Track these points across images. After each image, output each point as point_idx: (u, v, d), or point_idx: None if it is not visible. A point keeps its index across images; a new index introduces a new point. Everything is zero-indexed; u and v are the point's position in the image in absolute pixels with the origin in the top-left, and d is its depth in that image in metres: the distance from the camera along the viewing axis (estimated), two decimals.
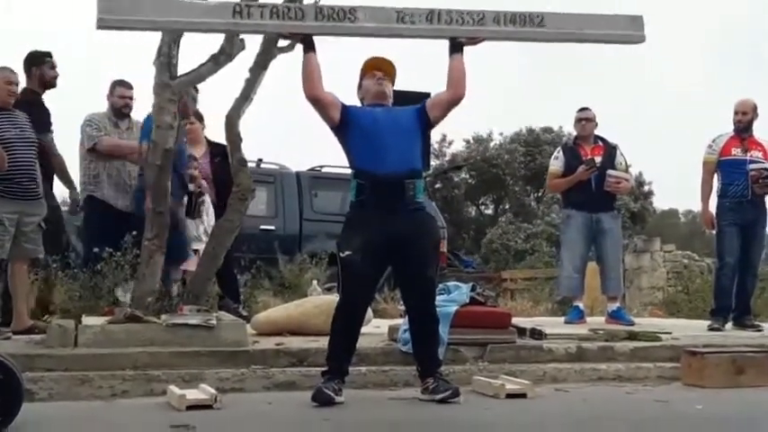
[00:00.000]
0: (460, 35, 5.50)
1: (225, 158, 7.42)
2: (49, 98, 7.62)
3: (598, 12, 5.86)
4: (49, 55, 7.56)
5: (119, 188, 7.65)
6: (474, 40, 5.54)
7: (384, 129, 5.26)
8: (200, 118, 8.19)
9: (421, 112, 5.44)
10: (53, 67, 7.55)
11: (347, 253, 5.18)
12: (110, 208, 7.59)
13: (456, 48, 5.45)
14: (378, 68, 5.50)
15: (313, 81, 5.29)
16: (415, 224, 5.25)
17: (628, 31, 5.89)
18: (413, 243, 5.20)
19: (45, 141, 7.22)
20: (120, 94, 7.80)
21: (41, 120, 7.26)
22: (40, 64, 7.48)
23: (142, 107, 7.74)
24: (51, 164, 7.41)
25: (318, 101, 5.30)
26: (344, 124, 5.33)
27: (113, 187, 7.65)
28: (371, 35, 5.53)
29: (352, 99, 5.56)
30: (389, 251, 5.21)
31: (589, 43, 6.04)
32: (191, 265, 7.57)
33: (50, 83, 7.54)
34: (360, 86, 5.56)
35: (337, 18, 5.41)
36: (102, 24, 5.47)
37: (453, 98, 5.45)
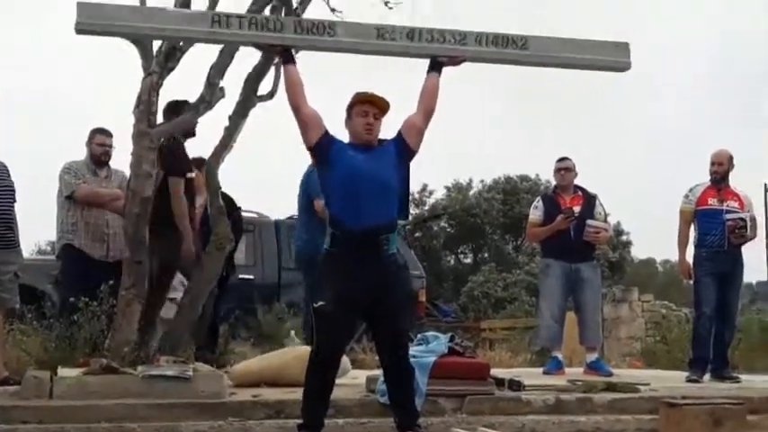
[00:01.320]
0: (441, 54, 5.49)
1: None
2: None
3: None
4: (186, 103, 7.45)
5: (96, 237, 7.60)
6: (454, 60, 5.54)
7: (362, 178, 5.18)
8: (200, 165, 8.15)
9: (399, 144, 5.38)
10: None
11: (320, 303, 5.16)
12: (86, 257, 7.53)
13: (435, 66, 5.45)
14: (370, 103, 5.32)
15: (296, 93, 5.30)
16: (388, 276, 5.23)
17: (612, 57, 5.88)
18: (386, 296, 5.19)
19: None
20: (100, 142, 7.78)
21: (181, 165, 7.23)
22: (179, 112, 7.38)
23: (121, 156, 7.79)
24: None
25: (299, 111, 5.27)
26: (323, 154, 5.28)
27: (90, 236, 7.59)
28: (350, 50, 5.53)
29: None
30: (363, 302, 5.19)
31: (573, 68, 6.03)
32: (167, 314, 7.52)
33: (191, 132, 7.43)
34: (348, 119, 5.38)
35: (316, 32, 5.42)
36: (81, 28, 5.48)
37: (426, 120, 5.42)
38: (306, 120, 5.28)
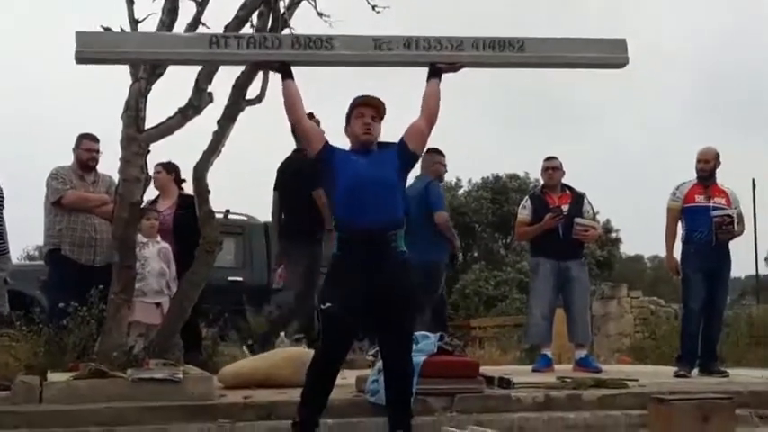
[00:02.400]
0: (438, 60, 5.50)
1: (191, 210, 7.41)
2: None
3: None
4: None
5: (83, 242, 7.61)
6: (453, 66, 5.56)
7: (366, 182, 5.21)
8: (170, 169, 8.19)
9: (401, 149, 5.41)
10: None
11: (328, 305, 5.17)
12: (73, 262, 7.54)
13: (434, 73, 5.48)
14: (366, 105, 5.38)
15: (295, 108, 5.35)
16: (397, 277, 5.24)
17: (610, 53, 5.88)
18: (395, 297, 5.21)
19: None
20: (87, 148, 7.79)
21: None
22: None
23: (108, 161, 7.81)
24: None
25: (300, 130, 5.37)
26: (327, 164, 5.33)
27: (77, 241, 7.60)
28: (349, 63, 5.55)
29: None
30: (372, 304, 5.18)
31: (571, 68, 6.03)
32: (153, 318, 7.54)
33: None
34: (347, 125, 5.43)
35: (314, 46, 5.44)
36: (81, 57, 5.51)
37: (430, 126, 5.47)
38: (307, 133, 5.38)
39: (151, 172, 7.38)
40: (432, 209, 8.50)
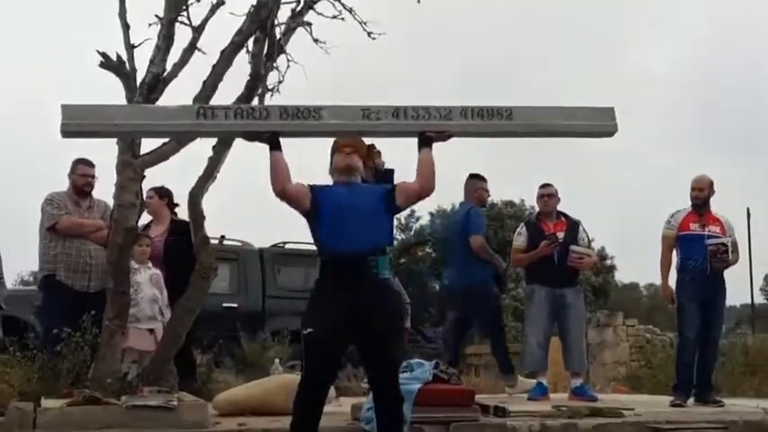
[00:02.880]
0: (427, 129, 5.44)
1: (182, 236, 7.41)
2: None
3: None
4: None
5: (77, 268, 7.59)
6: (442, 135, 5.49)
7: (347, 209, 5.23)
8: (163, 194, 8.20)
9: (388, 194, 5.41)
10: None
11: (309, 330, 5.13)
12: (68, 288, 7.51)
13: (425, 142, 5.43)
14: (347, 145, 5.45)
15: (281, 179, 5.27)
16: (377, 301, 5.21)
17: (599, 122, 5.82)
18: (376, 320, 5.16)
19: None
20: (82, 173, 7.79)
21: None
22: None
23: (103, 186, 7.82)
24: None
25: (287, 196, 5.28)
26: (315, 206, 5.31)
27: (72, 267, 7.58)
28: (337, 132, 5.42)
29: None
30: (352, 328, 5.16)
31: (560, 137, 6.00)
32: (146, 344, 7.51)
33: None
34: (330, 164, 5.48)
35: (302, 116, 5.35)
36: (66, 130, 5.46)
37: (422, 192, 5.43)
38: (293, 196, 5.32)
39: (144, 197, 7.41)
40: (468, 233, 8.69)
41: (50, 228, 7.55)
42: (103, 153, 7.33)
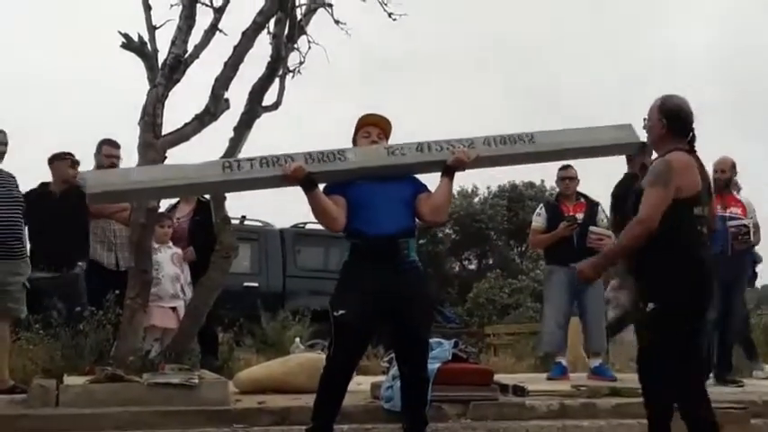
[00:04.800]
0: (452, 160, 5.32)
1: (208, 217, 7.46)
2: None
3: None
4: None
5: (104, 246, 7.68)
6: (464, 164, 5.36)
7: (376, 194, 5.24)
8: None
9: (417, 189, 5.38)
10: None
11: (341, 312, 5.12)
12: (96, 265, 7.60)
13: (447, 171, 5.36)
14: (373, 125, 5.44)
15: (332, 218, 5.21)
16: (408, 284, 5.22)
17: (620, 139, 5.78)
18: (407, 304, 5.18)
19: None
20: (107, 153, 7.84)
21: None
22: None
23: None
24: None
25: (339, 227, 5.26)
26: (347, 201, 5.30)
27: (99, 245, 7.67)
28: (363, 170, 5.33)
29: None
30: (383, 310, 5.17)
31: (584, 157, 5.98)
32: (168, 322, 7.58)
33: None
34: (354, 144, 5.49)
35: (327, 160, 5.27)
36: (93, 200, 5.51)
37: (428, 219, 5.43)
38: (345, 218, 5.28)
39: None
40: None
41: None
42: (126, 134, 7.39)
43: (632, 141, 5.80)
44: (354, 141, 5.51)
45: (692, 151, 4.69)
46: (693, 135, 4.72)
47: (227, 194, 6.89)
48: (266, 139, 7.19)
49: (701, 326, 4.55)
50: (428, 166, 5.44)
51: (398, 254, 5.22)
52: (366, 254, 5.22)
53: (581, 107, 49.77)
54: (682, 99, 4.79)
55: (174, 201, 8.32)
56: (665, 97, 4.80)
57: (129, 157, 7.45)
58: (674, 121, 4.68)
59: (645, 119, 4.90)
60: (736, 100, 60.68)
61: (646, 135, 5.00)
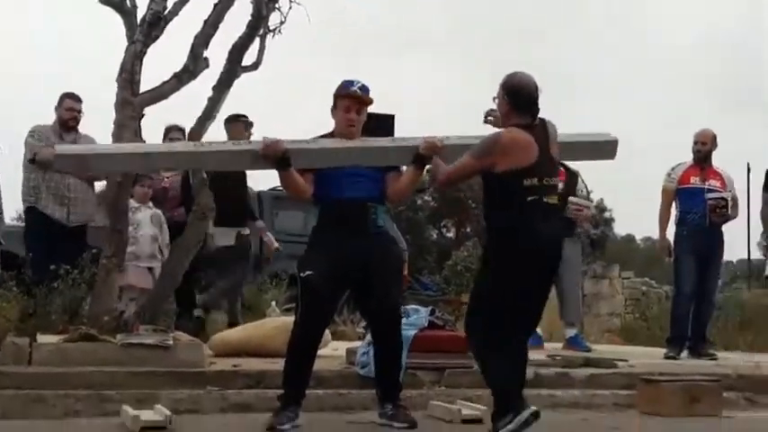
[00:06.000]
0: (423, 147, 5.26)
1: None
2: None
3: None
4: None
5: (56, 200, 7.53)
6: (436, 150, 5.26)
7: (346, 169, 5.27)
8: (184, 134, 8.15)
9: (386, 169, 5.38)
10: None
11: (308, 273, 5.13)
12: (49, 219, 7.49)
13: (418, 160, 5.32)
14: (355, 102, 5.34)
15: (301, 189, 5.27)
16: (377, 248, 5.23)
17: (598, 147, 5.92)
18: (376, 268, 5.17)
19: None
20: (68, 107, 7.70)
21: None
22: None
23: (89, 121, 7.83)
24: None
25: (308, 196, 5.32)
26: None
27: (51, 198, 7.53)
28: (337, 151, 5.29)
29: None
30: (351, 274, 5.18)
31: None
32: (145, 282, 7.54)
33: None
34: (334, 107, 5.42)
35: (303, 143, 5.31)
36: (60, 163, 5.77)
37: (391, 200, 5.54)
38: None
39: (161, 134, 7.63)
40: None
41: (31, 159, 7.49)
42: (103, 91, 7.29)
43: (608, 140, 5.87)
44: (335, 105, 5.40)
45: (533, 126, 4.84)
46: (536, 110, 4.89)
47: None
48: (245, 98, 7.11)
49: (516, 290, 4.73)
50: (402, 153, 5.40)
51: (366, 218, 5.23)
52: (334, 218, 5.24)
53: None
54: (525, 75, 4.96)
55: None
56: (509, 75, 4.97)
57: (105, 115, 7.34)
58: (515, 97, 4.88)
59: (494, 97, 5.05)
60: None
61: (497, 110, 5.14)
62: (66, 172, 7.02)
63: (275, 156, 5.14)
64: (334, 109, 5.42)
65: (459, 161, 4.91)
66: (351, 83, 5.37)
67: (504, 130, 4.89)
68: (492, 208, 4.92)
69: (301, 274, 5.15)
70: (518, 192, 4.75)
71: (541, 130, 4.86)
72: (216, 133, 7.20)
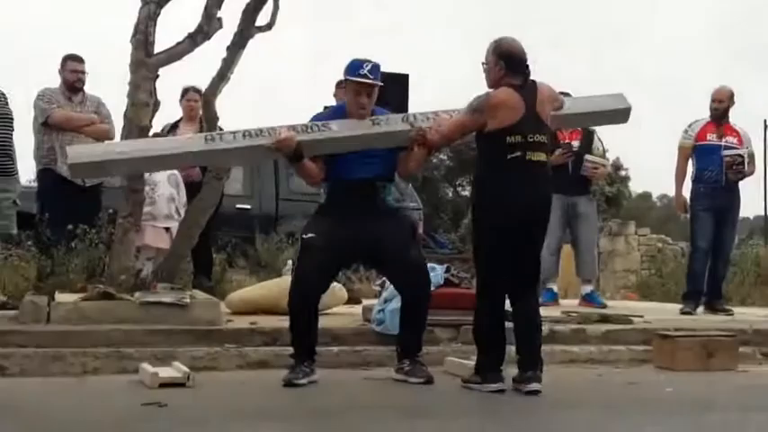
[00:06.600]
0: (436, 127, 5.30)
1: None
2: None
3: None
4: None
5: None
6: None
7: (356, 152, 5.31)
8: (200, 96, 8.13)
9: (397, 148, 5.39)
10: None
11: (309, 235, 5.21)
12: (64, 180, 7.52)
13: (426, 143, 5.34)
14: (365, 86, 5.28)
15: (314, 175, 5.35)
16: (384, 223, 5.27)
17: (612, 105, 5.96)
18: (385, 239, 5.22)
19: None
20: (72, 69, 7.72)
21: None
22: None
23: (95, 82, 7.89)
24: None
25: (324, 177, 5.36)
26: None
27: (66, 160, 7.57)
28: (348, 138, 5.30)
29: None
30: (357, 250, 5.29)
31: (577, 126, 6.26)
32: (162, 242, 7.57)
33: None
34: (344, 86, 5.49)
35: (311, 130, 5.29)
36: (76, 172, 5.81)
37: (401, 176, 5.69)
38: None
39: (178, 96, 7.78)
40: None
41: (43, 122, 7.53)
42: (117, 52, 7.29)
43: (622, 108, 5.97)
44: (346, 82, 5.38)
45: (524, 86, 5.01)
46: (528, 71, 5.07)
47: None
48: (260, 58, 7.08)
49: (502, 240, 4.99)
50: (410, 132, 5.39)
51: (376, 197, 5.29)
52: (343, 196, 5.28)
53: None
54: (513, 39, 5.15)
55: (172, 121, 8.25)
56: (497, 41, 5.12)
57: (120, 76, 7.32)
58: (508, 60, 5.05)
59: (483, 63, 5.15)
60: None
61: (484, 76, 5.19)
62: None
63: (288, 150, 5.19)
64: (345, 87, 5.45)
65: (453, 120, 5.17)
66: (360, 65, 5.27)
67: (496, 90, 5.04)
68: (478, 167, 5.20)
69: (303, 236, 5.25)
70: (501, 149, 4.93)
71: (531, 90, 5.02)
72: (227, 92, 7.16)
